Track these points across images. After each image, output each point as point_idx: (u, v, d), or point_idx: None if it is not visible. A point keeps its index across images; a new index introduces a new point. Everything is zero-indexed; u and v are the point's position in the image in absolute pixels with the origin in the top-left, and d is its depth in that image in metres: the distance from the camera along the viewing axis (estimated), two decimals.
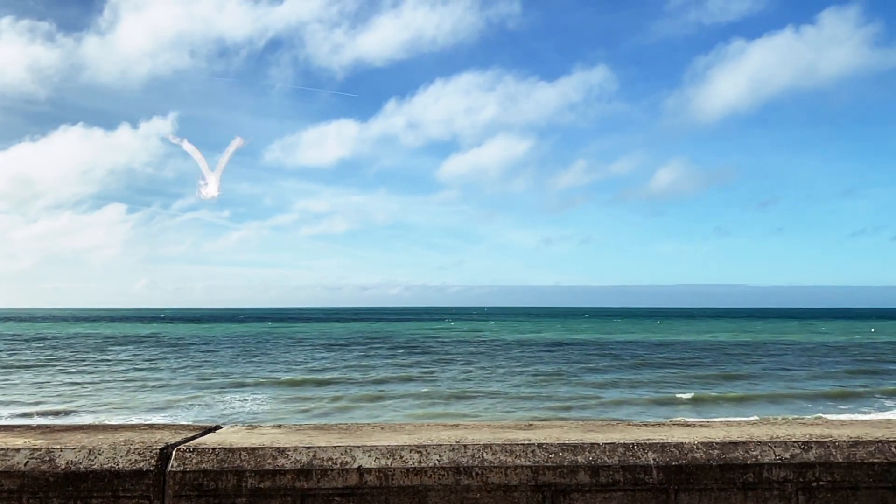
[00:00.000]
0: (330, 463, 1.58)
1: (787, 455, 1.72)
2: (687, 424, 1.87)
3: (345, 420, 21.54)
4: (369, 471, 1.55)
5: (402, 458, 1.55)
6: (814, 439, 1.72)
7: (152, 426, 1.95)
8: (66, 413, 21.79)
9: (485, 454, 1.56)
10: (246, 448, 1.61)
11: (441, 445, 1.59)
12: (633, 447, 1.71)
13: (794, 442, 1.73)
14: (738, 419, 2.08)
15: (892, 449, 1.70)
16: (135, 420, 21.29)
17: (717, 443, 1.75)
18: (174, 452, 1.68)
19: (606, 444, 1.69)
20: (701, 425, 1.87)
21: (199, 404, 23.33)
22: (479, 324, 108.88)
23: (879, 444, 1.72)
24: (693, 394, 25.83)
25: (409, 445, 1.58)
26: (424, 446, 1.58)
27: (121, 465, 1.61)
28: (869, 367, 36.59)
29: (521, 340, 61.98)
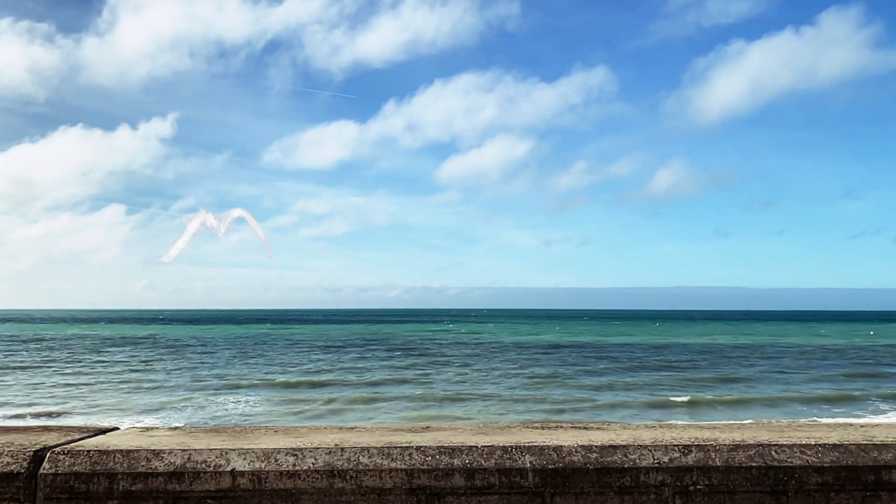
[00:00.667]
0: (203, 465, 1.56)
1: (666, 459, 1.70)
2: (586, 427, 1.84)
3: (337, 422, 21.51)
4: (242, 473, 1.52)
5: (276, 461, 1.53)
6: (696, 443, 1.68)
7: (45, 428, 1.92)
8: (58, 414, 21.77)
9: (361, 457, 1.53)
10: (121, 450, 1.59)
11: (318, 448, 1.57)
12: (511, 450, 1.68)
13: (675, 445, 1.71)
14: (651, 423, 2.06)
15: (772, 453, 1.68)
16: (127, 422, 21.25)
17: (597, 446, 1.73)
18: (48, 455, 1.65)
19: (485, 446, 1.67)
20: (598, 428, 1.83)
21: (192, 406, 23.30)
22: (477, 326, 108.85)
23: (760, 447, 1.69)
24: (688, 397, 25.79)
25: (286, 448, 1.56)
26: (301, 449, 1.56)
27: None
28: (866, 370, 36.52)
29: (518, 343, 61.92)
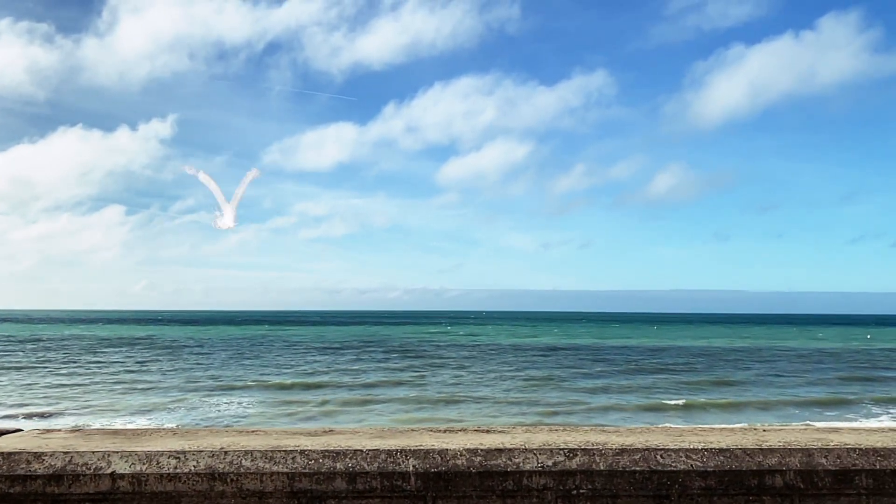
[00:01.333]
0: (84, 468, 1.53)
1: (550, 462, 1.69)
2: (488, 431, 1.83)
3: (329, 424, 21.48)
4: (122, 476, 1.51)
5: (158, 463, 1.52)
6: (582, 447, 1.66)
7: None
8: (49, 415, 21.75)
9: (244, 461, 1.52)
10: (3, 453, 1.58)
11: (201, 452, 1.55)
12: (395, 454, 1.66)
13: (561, 449, 1.68)
14: (561, 426, 2.05)
15: (658, 457, 1.66)
16: (118, 423, 21.23)
17: (482, 450, 1.71)
18: None
19: (369, 450, 1.65)
20: (500, 431, 1.82)
21: (185, 407, 23.27)
22: (476, 328, 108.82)
23: (646, 451, 1.67)
24: (683, 400, 25.76)
25: (169, 451, 1.55)
26: (184, 452, 1.54)
27: None
28: (862, 373, 36.49)
29: (516, 345, 61.89)
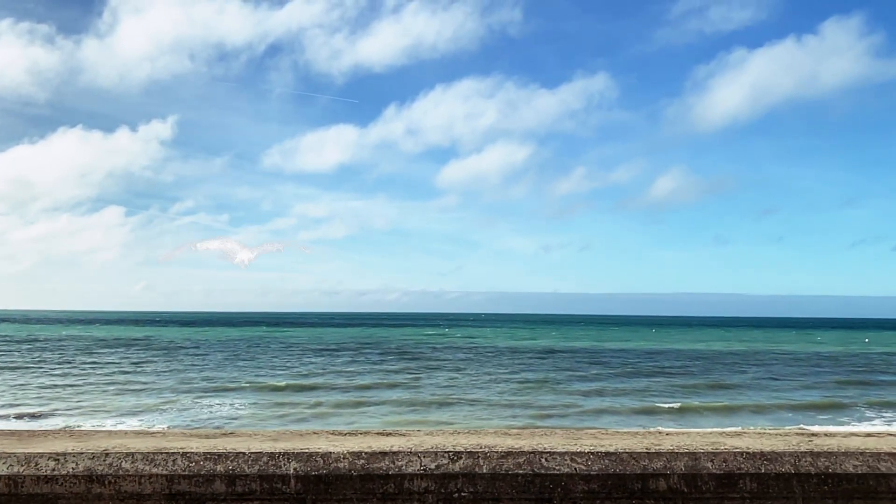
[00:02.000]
0: None
1: (433, 465, 1.66)
2: (389, 434, 1.82)
3: (320, 426, 21.43)
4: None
5: (37, 465, 1.50)
6: (467, 450, 1.65)
7: None
8: (40, 416, 21.73)
9: (123, 463, 1.50)
10: None
11: (81, 454, 1.53)
12: (277, 456, 1.62)
13: (446, 452, 1.64)
14: (458, 429, 2.04)
15: (542, 461, 1.64)
16: (108, 424, 21.19)
17: (366, 452, 1.68)
18: None
19: (252, 453, 1.61)
20: (402, 434, 1.82)
21: (176, 408, 23.24)
22: (474, 330, 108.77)
23: (531, 455, 1.64)
24: (677, 404, 25.72)
25: (49, 453, 1.52)
26: (64, 454, 1.52)
27: None
28: (858, 377, 36.47)
29: (513, 347, 61.83)
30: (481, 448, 1.67)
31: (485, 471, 1.65)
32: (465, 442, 1.70)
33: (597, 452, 1.69)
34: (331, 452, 1.63)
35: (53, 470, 1.43)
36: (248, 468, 1.53)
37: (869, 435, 1.88)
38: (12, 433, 1.87)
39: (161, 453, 1.50)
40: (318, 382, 32.36)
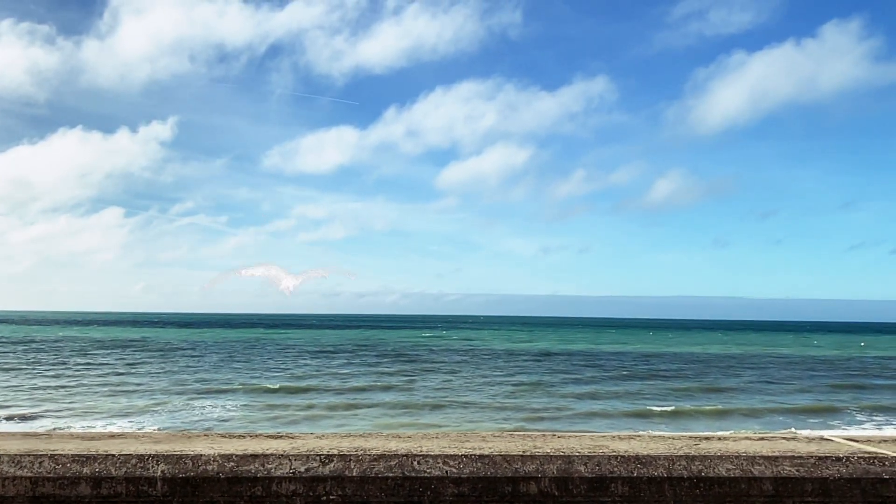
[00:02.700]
0: None
1: (303, 469, 1.67)
2: (290, 437, 1.82)
3: (310, 429, 21.41)
4: None
5: None
6: (340, 453, 1.65)
7: None
8: (32, 417, 21.70)
9: None
10: None
11: None
12: (146, 458, 1.62)
13: (318, 455, 1.65)
14: (409, 432, 2.04)
15: (414, 464, 1.64)
16: (98, 425, 21.16)
17: (237, 455, 1.68)
18: None
19: (121, 455, 1.63)
20: (296, 437, 1.82)
21: (168, 410, 23.21)
22: (472, 332, 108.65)
23: (404, 458, 1.64)
24: (670, 407, 25.71)
25: None
26: None
27: None
28: (852, 381, 36.45)
29: (510, 350, 61.75)
30: (355, 451, 1.67)
31: (355, 474, 1.65)
32: (347, 445, 1.70)
33: (470, 455, 1.70)
34: (201, 455, 1.63)
35: None
36: (116, 471, 1.52)
37: (794, 438, 1.89)
38: None
39: (28, 455, 1.50)
40: (313, 384, 32.30)
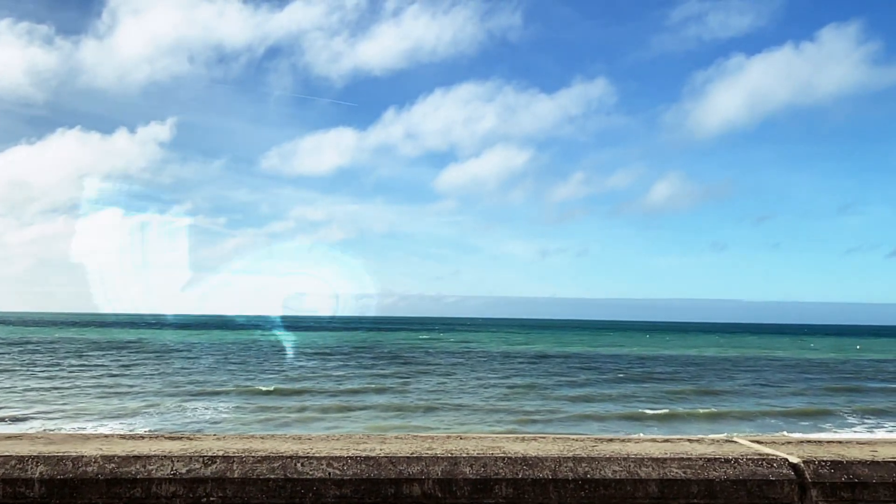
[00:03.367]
0: None
1: (185, 470, 1.67)
2: (190, 438, 1.82)
3: (300, 431, 21.38)
4: None
5: None
6: (224, 454, 1.65)
7: None
8: (23, 418, 21.66)
9: None
10: None
11: None
12: (26, 460, 1.64)
13: (201, 457, 1.65)
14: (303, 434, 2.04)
15: (298, 465, 1.63)
16: (89, 427, 21.13)
17: (118, 457, 1.69)
18: None
19: (1, 456, 1.59)
20: (188, 438, 1.82)
21: (160, 412, 23.19)
22: (470, 335, 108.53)
23: (288, 459, 1.64)
24: (663, 410, 25.72)
25: None
26: None
27: None
28: (846, 384, 36.47)
29: (506, 352, 61.71)
30: (239, 452, 1.68)
31: (236, 475, 1.64)
32: (240, 446, 1.70)
33: (355, 457, 1.70)
34: (82, 456, 1.63)
35: None
36: None
37: (700, 440, 1.89)
38: None
39: None
40: (307, 387, 32.25)
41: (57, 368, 37.66)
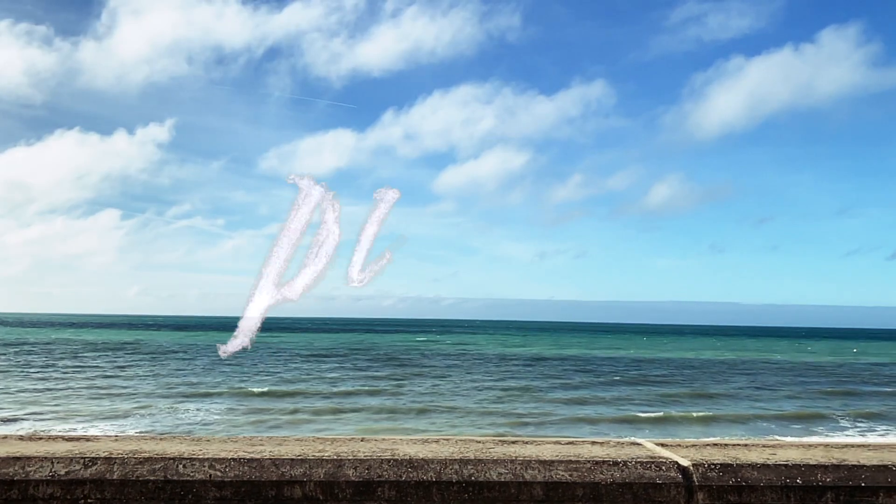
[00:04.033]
0: None
1: (64, 472, 1.63)
2: (86, 439, 1.83)
3: (292, 433, 21.36)
4: None
5: None
6: (106, 455, 1.65)
7: None
8: (15, 420, 21.64)
9: None
10: None
11: None
12: None
13: (82, 458, 1.61)
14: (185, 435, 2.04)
15: (179, 467, 1.61)
16: (80, 428, 21.10)
17: (0, 458, 1.67)
18: None
19: None
20: (94, 439, 1.82)
21: (151, 414, 23.16)
22: (467, 337, 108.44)
23: (170, 461, 1.64)
24: (658, 413, 25.69)
25: None
26: None
27: None
28: (842, 388, 36.46)
29: (503, 354, 61.67)
30: (124, 454, 1.68)
31: (115, 477, 1.65)
32: (126, 448, 1.70)
33: (239, 459, 1.70)
34: None
35: None
36: None
37: (605, 443, 1.89)
38: None
39: None
40: (300, 388, 32.22)
41: (52, 369, 37.61)
